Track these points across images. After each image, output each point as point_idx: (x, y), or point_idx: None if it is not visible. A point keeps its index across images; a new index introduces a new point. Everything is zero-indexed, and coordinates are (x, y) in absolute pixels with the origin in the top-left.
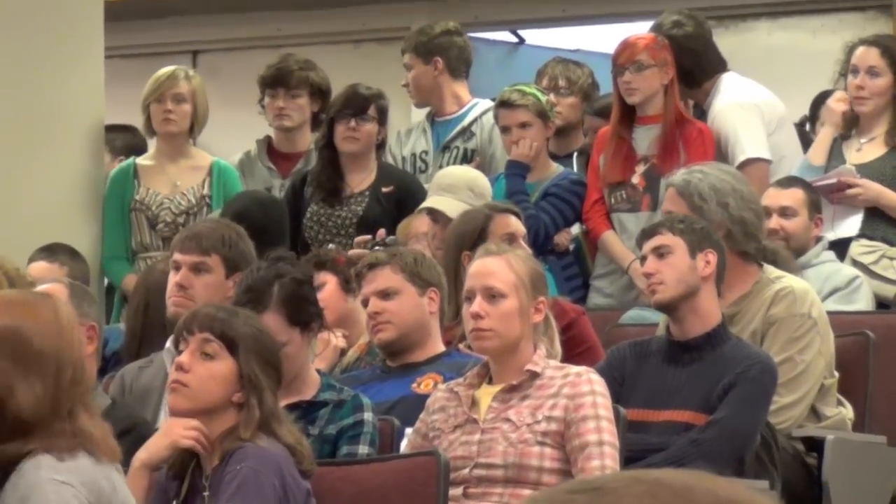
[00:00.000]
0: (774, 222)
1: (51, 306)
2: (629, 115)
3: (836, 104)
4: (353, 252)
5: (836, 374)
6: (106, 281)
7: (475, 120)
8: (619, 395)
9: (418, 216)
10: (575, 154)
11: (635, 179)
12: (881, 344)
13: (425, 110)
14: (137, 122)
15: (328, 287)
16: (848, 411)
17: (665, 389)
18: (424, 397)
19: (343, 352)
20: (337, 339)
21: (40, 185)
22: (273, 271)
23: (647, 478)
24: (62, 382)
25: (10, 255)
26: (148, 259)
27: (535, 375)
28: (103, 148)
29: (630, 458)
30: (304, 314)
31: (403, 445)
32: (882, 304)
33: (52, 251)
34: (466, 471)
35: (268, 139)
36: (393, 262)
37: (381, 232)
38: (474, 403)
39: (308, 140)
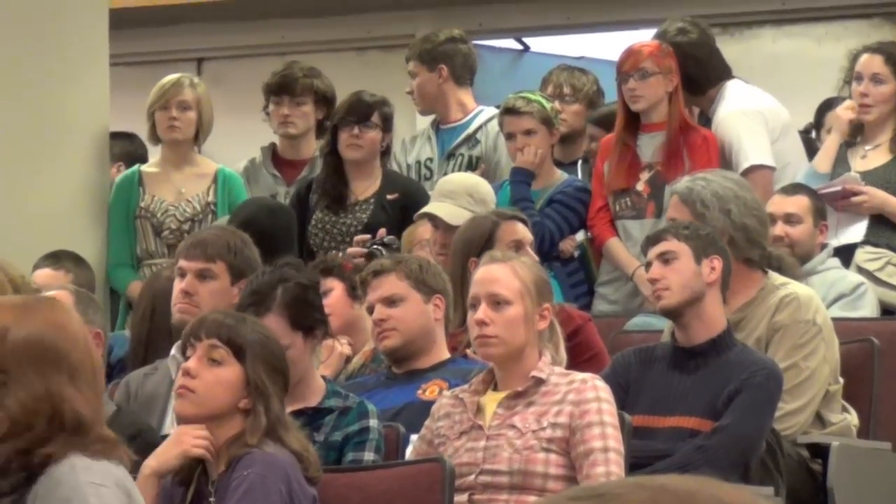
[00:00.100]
0: (779, 229)
1: (71, 312)
2: (634, 123)
3: (844, 112)
4: (351, 250)
5: (841, 380)
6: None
7: (480, 127)
8: (625, 401)
9: (422, 223)
10: (580, 161)
11: (640, 186)
12: (886, 350)
13: (430, 118)
14: (142, 129)
15: (335, 293)
16: (853, 418)
17: (670, 396)
18: (429, 404)
19: (348, 359)
20: (342, 346)
21: (45, 192)
22: (278, 275)
23: (651, 484)
24: (99, 386)
25: (15, 262)
26: (153, 266)
27: (540, 382)
28: (108, 155)
29: (635, 464)
30: (308, 319)
31: (409, 452)
32: (887, 310)
33: (57, 258)
34: (472, 477)
35: (272, 146)
36: (398, 269)
37: (382, 231)
38: (479, 410)
39: (313, 147)
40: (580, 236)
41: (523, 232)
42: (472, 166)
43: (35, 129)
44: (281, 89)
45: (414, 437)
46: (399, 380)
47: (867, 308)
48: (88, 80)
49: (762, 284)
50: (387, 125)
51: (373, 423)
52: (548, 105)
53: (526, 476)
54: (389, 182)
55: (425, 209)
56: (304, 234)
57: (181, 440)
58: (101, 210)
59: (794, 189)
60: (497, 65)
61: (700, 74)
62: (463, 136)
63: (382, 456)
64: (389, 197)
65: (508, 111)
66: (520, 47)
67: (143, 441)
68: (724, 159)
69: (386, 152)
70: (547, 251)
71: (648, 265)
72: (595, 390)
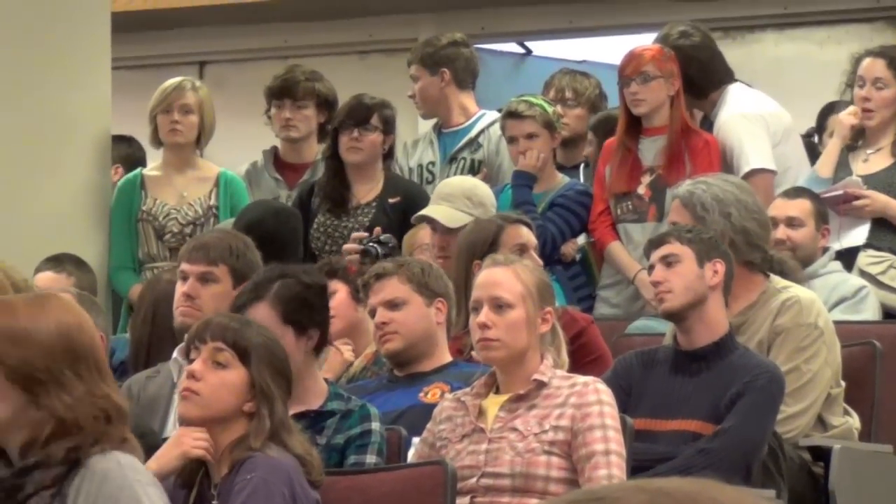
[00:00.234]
0: (781, 233)
1: (76, 306)
2: (635, 126)
3: (847, 117)
4: (346, 247)
5: (843, 383)
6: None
7: (482, 131)
8: (626, 404)
9: (423, 227)
10: (582, 165)
11: (641, 190)
12: (888, 353)
13: (432, 121)
14: (144, 132)
15: (339, 295)
16: (854, 420)
17: (672, 399)
18: (431, 407)
19: (350, 362)
20: (344, 351)
21: (47, 196)
22: (279, 270)
23: (651, 487)
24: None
25: (17, 266)
26: (154, 269)
27: (541, 385)
28: (110, 158)
29: (637, 467)
30: (301, 316)
31: (411, 455)
32: (889, 314)
33: (58, 261)
34: (473, 480)
35: (274, 150)
36: (400, 273)
37: (378, 230)
38: (481, 413)
39: (315, 151)
40: (581, 240)
41: (528, 235)
42: (474, 170)
43: (37, 133)
44: (283, 93)
45: (416, 440)
46: (401, 383)
47: (869, 311)
48: (90, 83)
49: (764, 288)
50: (387, 127)
51: (375, 426)
52: (550, 109)
53: (528, 479)
54: (391, 185)
55: (423, 212)
56: (306, 238)
57: (181, 441)
58: (102, 213)
59: (795, 193)
60: (499, 68)
61: (702, 78)
62: (465, 139)
63: (384, 459)
64: (391, 200)
65: (510, 115)
66: (522, 51)
67: (144, 444)
68: (726, 163)
69: (388, 155)
70: (549, 255)
71: (651, 268)
72: (597, 393)
